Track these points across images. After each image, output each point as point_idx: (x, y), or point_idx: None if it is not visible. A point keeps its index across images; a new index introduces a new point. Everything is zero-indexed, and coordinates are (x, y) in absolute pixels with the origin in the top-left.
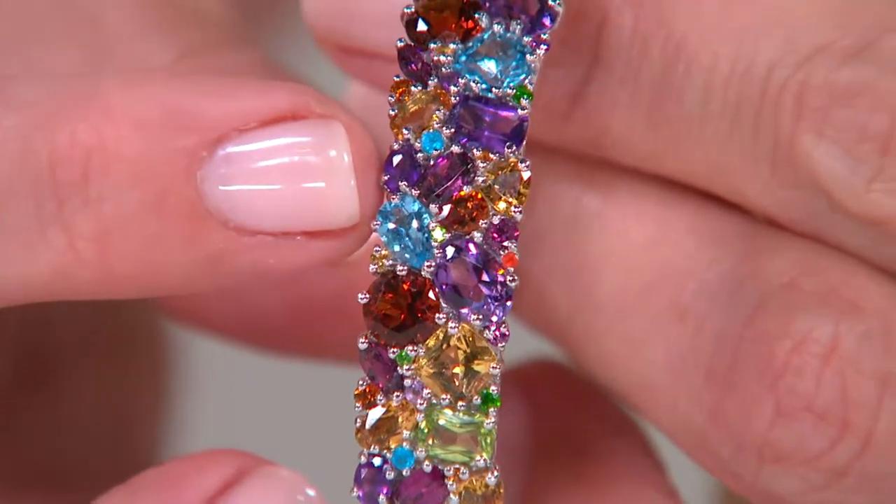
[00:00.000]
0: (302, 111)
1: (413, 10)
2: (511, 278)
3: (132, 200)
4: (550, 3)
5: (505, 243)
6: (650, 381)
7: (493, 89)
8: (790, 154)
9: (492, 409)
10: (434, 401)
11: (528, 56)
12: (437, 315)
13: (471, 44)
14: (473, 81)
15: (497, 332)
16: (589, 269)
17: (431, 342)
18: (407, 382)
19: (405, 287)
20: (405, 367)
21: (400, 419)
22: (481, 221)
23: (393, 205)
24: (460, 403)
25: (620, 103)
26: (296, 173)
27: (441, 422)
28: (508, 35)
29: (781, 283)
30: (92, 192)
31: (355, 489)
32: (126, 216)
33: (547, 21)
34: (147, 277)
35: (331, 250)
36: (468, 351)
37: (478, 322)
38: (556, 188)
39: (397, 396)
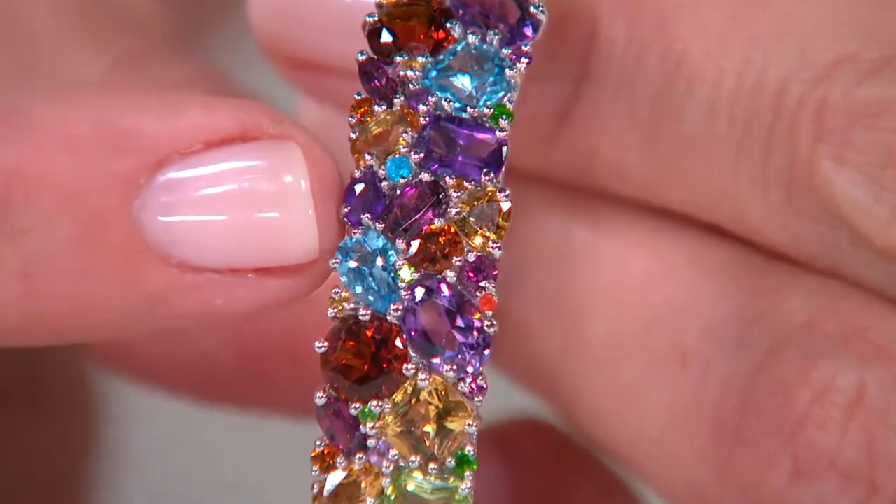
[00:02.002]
0: (253, 131)
1: (376, 18)
2: (489, 323)
3: (61, 232)
4: (532, 9)
5: (482, 283)
6: (647, 434)
7: (468, 108)
8: (806, 180)
9: (468, 473)
10: (402, 463)
11: (507, 70)
12: (404, 366)
13: (442, 57)
14: (445, 100)
15: (473, 385)
16: (578, 308)
17: (399, 396)
18: (371, 443)
19: (368, 334)
20: (369, 424)
21: (363, 484)
22: (455, 259)
23: (354, 240)
24: (432, 466)
25: (612, 123)
26: (246, 202)
27: (410, 487)
28: (485, 47)
29: (798, 323)
30: (14, 223)
31: None
32: (54, 250)
33: (528, 31)
34: (76, 320)
35: (286, 289)
36: (440, 406)
37: (451, 374)
38: (540, 218)
39: (360, 458)
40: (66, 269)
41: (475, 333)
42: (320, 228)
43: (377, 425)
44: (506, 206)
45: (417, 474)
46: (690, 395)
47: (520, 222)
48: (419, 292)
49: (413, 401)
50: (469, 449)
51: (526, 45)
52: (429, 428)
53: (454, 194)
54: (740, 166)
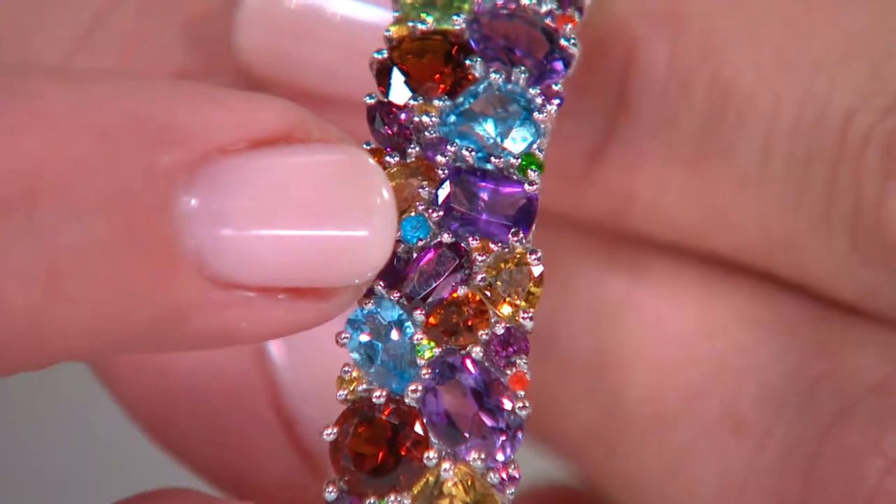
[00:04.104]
0: (300, 132)
1: (385, 55)
2: (521, 405)
3: (92, 232)
4: (563, 42)
5: (512, 359)
6: None
7: (492, 158)
8: (876, 223)
9: None
10: None
11: (535, 114)
12: (426, 454)
13: (461, 99)
14: (466, 149)
15: (504, 475)
16: (616, 371)
17: (418, 489)
18: None
19: (384, 418)
20: None
21: None
22: (481, 332)
23: (366, 311)
24: None
25: (652, 161)
26: (315, 212)
27: None
28: (510, 87)
29: (869, 384)
30: (41, 220)
31: None
32: (83, 251)
33: (559, 66)
34: (98, 333)
35: (317, 313)
36: (467, 500)
37: (479, 462)
38: (571, 268)
39: None
40: (95, 274)
41: (505, 416)
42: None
43: None
44: (537, 270)
45: None
46: (746, 465)
47: (549, 272)
48: (441, 370)
49: (436, 493)
50: None
51: (556, 84)
52: None
53: (478, 258)
54: (799, 209)
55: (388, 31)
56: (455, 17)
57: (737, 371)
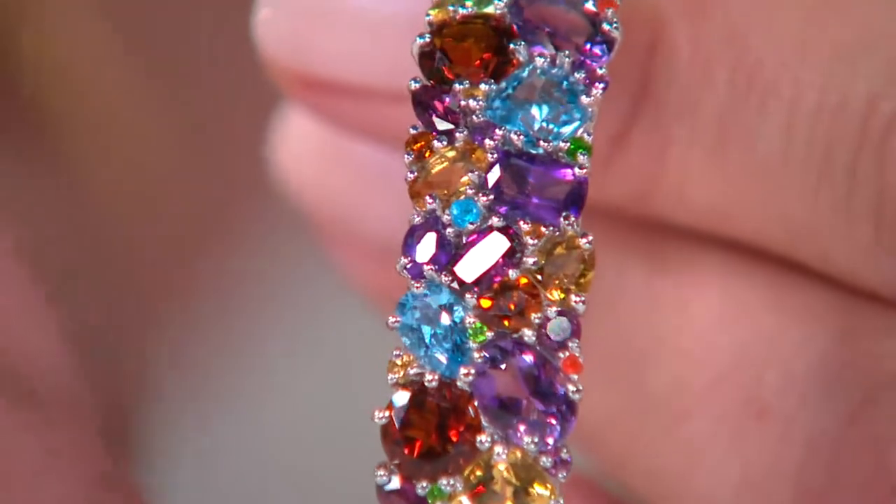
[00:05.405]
0: None
1: (427, 38)
2: (574, 388)
3: None
4: (605, 26)
5: (565, 342)
6: (718, 498)
7: (541, 142)
8: None
9: None
10: None
11: (583, 98)
12: (478, 437)
13: (505, 84)
14: (514, 133)
15: (556, 458)
16: (637, 358)
17: (470, 472)
18: None
19: (435, 401)
20: None
21: None
22: (533, 316)
23: (416, 295)
24: None
25: (675, 146)
26: None
27: None
28: (554, 71)
29: (894, 372)
30: None
31: None
32: None
33: (601, 50)
34: None
35: None
36: (519, 483)
37: (532, 446)
38: None
39: None
40: None
41: (558, 400)
42: None
43: None
44: (589, 253)
45: None
46: (769, 454)
47: None
48: (493, 354)
49: (488, 477)
50: None
51: (601, 68)
52: None
53: (529, 241)
54: (821, 196)
55: (427, 14)
56: (496, 2)
57: (760, 359)
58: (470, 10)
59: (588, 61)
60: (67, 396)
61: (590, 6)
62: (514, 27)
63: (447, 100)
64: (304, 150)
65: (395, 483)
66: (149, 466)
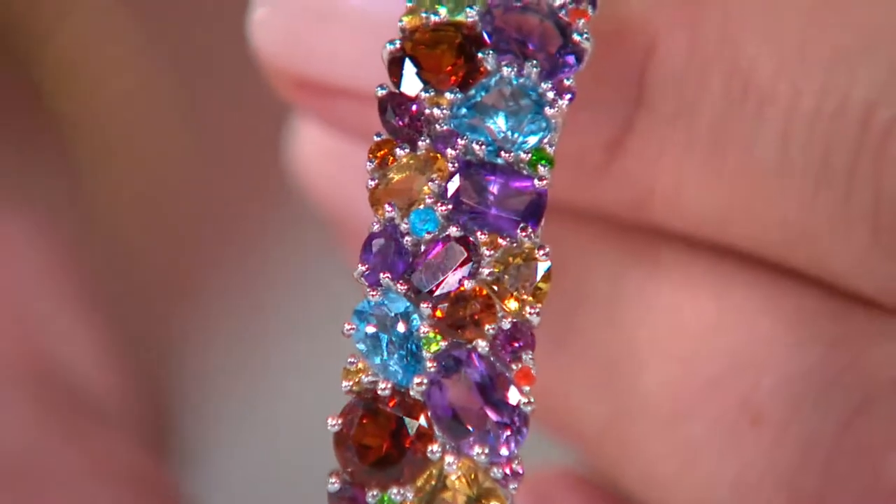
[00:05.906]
0: None
1: (398, 45)
2: (526, 401)
3: None
4: (576, 37)
5: (518, 354)
6: (711, 502)
7: (503, 152)
8: (895, 219)
9: None
10: None
11: (547, 109)
12: (429, 447)
13: (473, 92)
14: (476, 142)
15: (508, 470)
16: (631, 360)
17: (422, 482)
18: None
19: (388, 410)
20: None
21: None
22: (487, 326)
23: (372, 303)
24: None
25: (670, 153)
26: None
27: None
28: (522, 80)
29: (891, 378)
30: None
31: None
32: None
33: (571, 61)
34: None
35: None
36: (470, 494)
37: (483, 457)
38: (587, 261)
39: None
40: None
41: (510, 411)
42: None
43: None
44: (545, 266)
45: None
46: (763, 459)
47: (562, 264)
48: (447, 364)
49: (439, 487)
50: None
51: (569, 80)
52: None
53: (486, 252)
54: (818, 202)
55: (401, 21)
56: (468, 9)
57: (755, 364)
58: (443, 17)
59: (557, 72)
60: (107, 401)
61: (562, 16)
62: (485, 36)
63: (413, 107)
64: (315, 151)
65: (347, 491)
66: (186, 469)
